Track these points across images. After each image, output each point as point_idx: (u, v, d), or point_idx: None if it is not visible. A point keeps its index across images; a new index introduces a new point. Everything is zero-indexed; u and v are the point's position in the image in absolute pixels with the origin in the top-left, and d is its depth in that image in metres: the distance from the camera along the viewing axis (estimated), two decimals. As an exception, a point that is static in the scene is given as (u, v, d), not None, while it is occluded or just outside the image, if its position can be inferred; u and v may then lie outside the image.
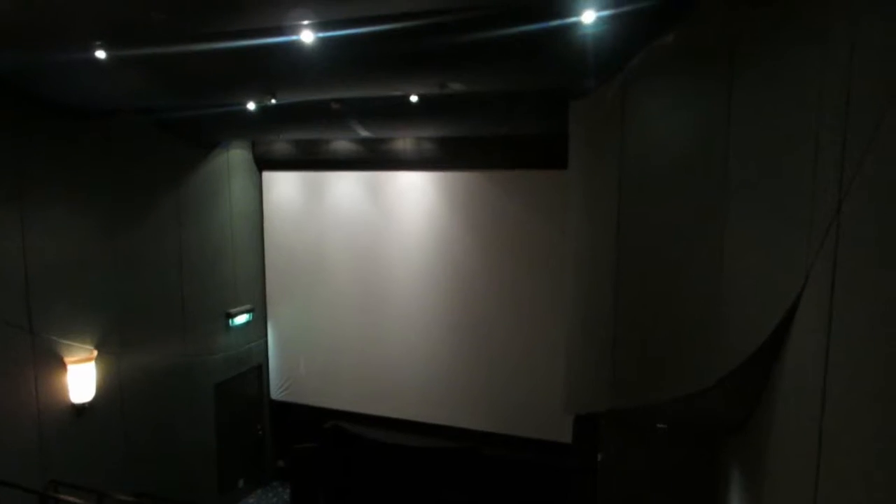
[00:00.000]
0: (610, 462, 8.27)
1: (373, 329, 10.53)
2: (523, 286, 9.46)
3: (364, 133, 8.93)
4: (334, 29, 4.58)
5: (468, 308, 9.86)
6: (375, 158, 10.10)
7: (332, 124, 8.72)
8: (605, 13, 4.11)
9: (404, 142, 9.78)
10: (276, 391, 11.49)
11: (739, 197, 3.47)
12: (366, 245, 10.46)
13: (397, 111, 7.85)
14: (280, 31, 4.61)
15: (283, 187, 10.95)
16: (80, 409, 7.32)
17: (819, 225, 2.33)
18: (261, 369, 11.29)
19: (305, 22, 4.44)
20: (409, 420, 10.42)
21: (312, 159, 10.55)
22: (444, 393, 10.12)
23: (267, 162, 10.89)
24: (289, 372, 11.37)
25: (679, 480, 7.98)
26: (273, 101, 6.75)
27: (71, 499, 6.29)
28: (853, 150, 2.04)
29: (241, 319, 10.44)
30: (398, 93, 6.81)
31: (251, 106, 7.41)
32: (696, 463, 7.61)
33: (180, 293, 9.08)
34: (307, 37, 4.65)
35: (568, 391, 7.61)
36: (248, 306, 10.64)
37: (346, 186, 10.50)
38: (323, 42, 4.76)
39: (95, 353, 7.47)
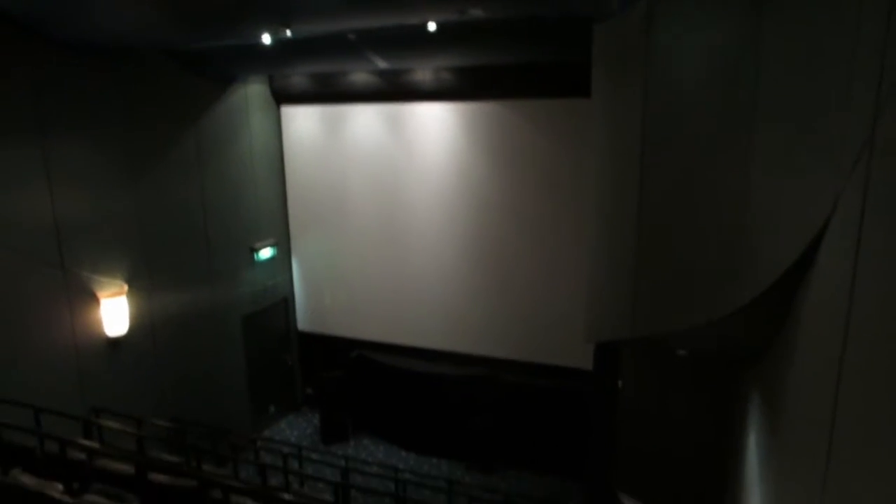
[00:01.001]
0: (630, 388, 8.43)
1: (395, 260, 10.64)
2: (545, 216, 9.43)
3: (382, 64, 8.74)
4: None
5: (490, 238, 9.89)
6: (394, 90, 9.93)
7: (350, 56, 8.53)
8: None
9: (423, 73, 9.58)
10: (303, 323, 11.78)
11: (768, 121, 3.36)
12: (387, 178, 10.43)
13: (415, 41, 7.65)
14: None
15: (302, 122, 10.87)
16: (115, 342, 7.59)
17: (850, 150, 2.25)
18: (287, 302, 11.53)
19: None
20: (432, 349, 10.66)
21: (330, 92, 10.41)
22: (466, 322, 10.29)
23: (285, 96, 10.78)
24: (314, 304, 11.61)
25: (697, 408, 8.13)
26: (288, 32, 6.60)
27: (113, 424, 6.60)
28: (892, 70, 1.95)
29: (265, 254, 10.60)
30: (416, 21, 6.60)
31: (266, 39, 7.26)
32: (715, 391, 7.72)
33: (204, 228, 9.21)
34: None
35: (589, 319, 7.67)
36: (271, 241, 10.78)
37: (365, 119, 10.39)
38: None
39: (126, 287, 7.68)
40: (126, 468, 5.46)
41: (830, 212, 2.49)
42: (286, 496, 5.05)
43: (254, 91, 10.23)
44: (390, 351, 10.94)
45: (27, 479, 3.51)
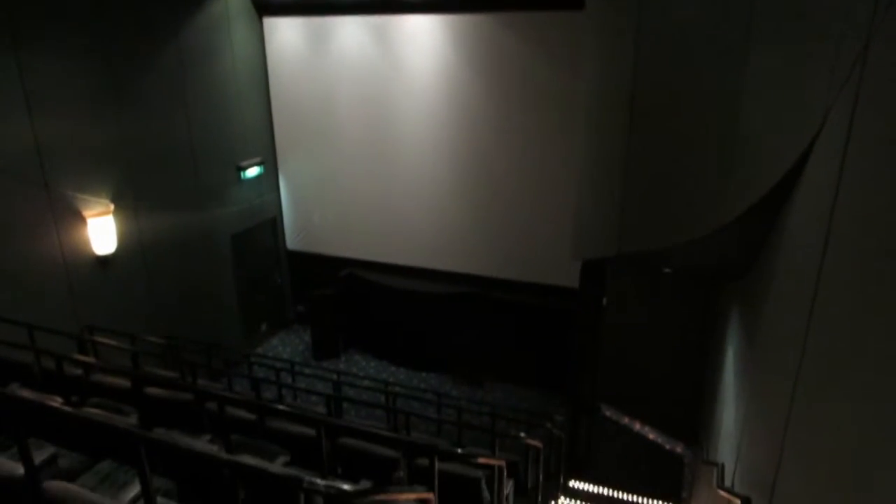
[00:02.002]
0: (613, 306, 8.62)
1: (384, 178, 10.57)
2: (535, 132, 9.32)
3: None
4: None
5: (479, 155, 9.81)
6: (382, 1, 9.56)
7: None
8: None
9: (410, -19, 9.19)
10: (292, 241, 11.81)
11: (761, 35, 3.29)
12: (375, 93, 10.19)
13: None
14: None
15: (285, 34, 10.48)
16: (104, 261, 7.59)
17: (842, 66, 2.22)
18: (275, 221, 11.51)
19: None
20: (422, 267, 10.78)
21: (315, 3, 10.00)
22: (455, 241, 10.37)
23: (267, 6, 10.33)
24: (303, 223, 11.60)
25: (678, 325, 8.35)
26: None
27: (106, 340, 6.70)
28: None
29: (252, 172, 10.47)
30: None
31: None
32: (696, 308, 7.91)
33: (190, 146, 9.04)
34: None
35: (577, 237, 7.74)
36: (258, 159, 10.63)
37: (352, 32, 10.03)
38: None
39: (112, 206, 7.60)
40: (122, 382, 5.59)
41: (819, 127, 2.48)
42: (280, 407, 5.21)
43: (234, 1, 9.80)
44: (380, 270, 11.05)
45: (26, 393, 3.60)
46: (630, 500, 7.30)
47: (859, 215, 2.05)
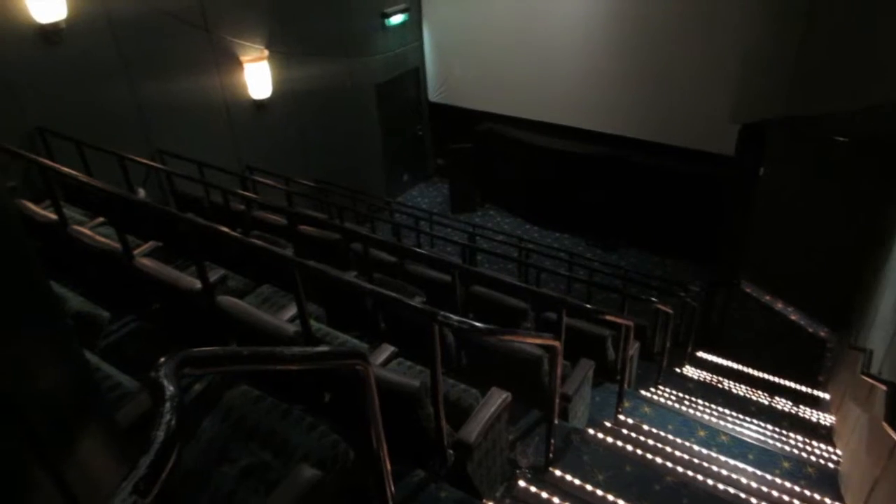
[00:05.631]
0: (772, 177, 7.94)
1: (531, 32, 10.02)
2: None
3: None
4: None
5: (633, 10, 8.94)
6: None
7: None
8: None
9: None
10: (434, 93, 11.77)
11: None
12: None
13: None
14: None
15: None
16: (260, 105, 8.02)
17: None
18: (417, 72, 11.46)
19: None
20: (562, 125, 10.40)
21: None
22: (601, 99, 9.81)
23: None
24: (445, 75, 11.45)
25: (844, 206, 7.58)
26: None
27: (264, 180, 7.27)
28: None
29: (396, 19, 10.32)
30: None
31: None
32: (869, 190, 7.08)
33: (337, -8, 9.02)
34: None
35: (739, 97, 7.03)
36: (403, 6, 10.41)
37: None
38: None
39: (266, 52, 7.88)
40: (278, 220, 6.11)
41: None
42: (420, 251, 5.49)
43: None
44: (520, 125, 10.81)
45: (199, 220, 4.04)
46: (761, 377, 7.12)
47: None
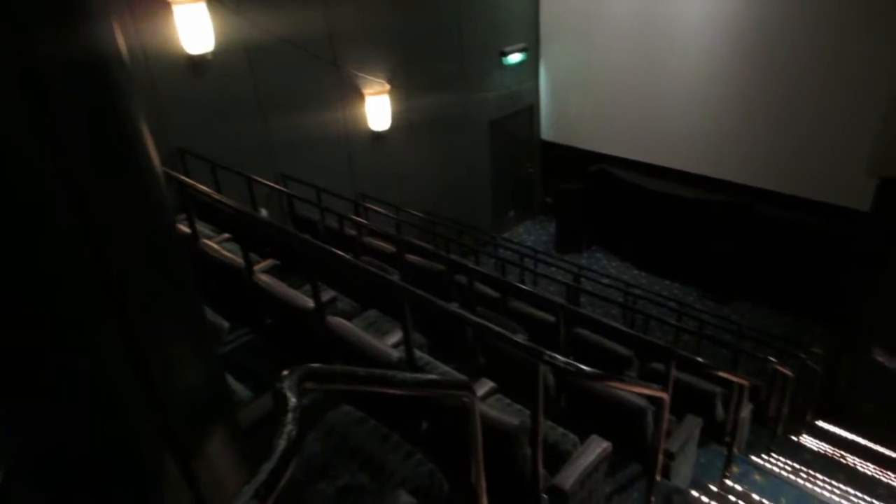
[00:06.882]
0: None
1: (650, 72, 9.84)
2: (829, 29, 7.81)
3: None
4: None
5: (762, 53, 8.56)
6: None
7: None
8: None
9: None
10: (546, 132, 11.78)
11: None
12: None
13: None
14: None
15: None
16: (378, 136, 8.35)
17: None
18: (532, 109, 11.53)
19: None
20: (679, 170, 10.05)
21: None
22: (721, 145, 9.41)
23: None
24: (559, 113, 11.45)
25: None
26: None
27: (376, 208, 7.52)
28: None
29: (514, 58, 10.48)
30: None
31: None
32: None
33: (457, 30, 9.29)
34: None
35: (877, 150, 6.55)
36: (521, 45, 10.57)
37: None
38: None
39: (388, 86, 8.23)
40: (387, 246, 6.28)
41: None
42: (525, 287, 5.45)
43: None
44: (633, 168, 10.57)
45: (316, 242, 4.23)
46: (893, 456, 6.42)
47: None
